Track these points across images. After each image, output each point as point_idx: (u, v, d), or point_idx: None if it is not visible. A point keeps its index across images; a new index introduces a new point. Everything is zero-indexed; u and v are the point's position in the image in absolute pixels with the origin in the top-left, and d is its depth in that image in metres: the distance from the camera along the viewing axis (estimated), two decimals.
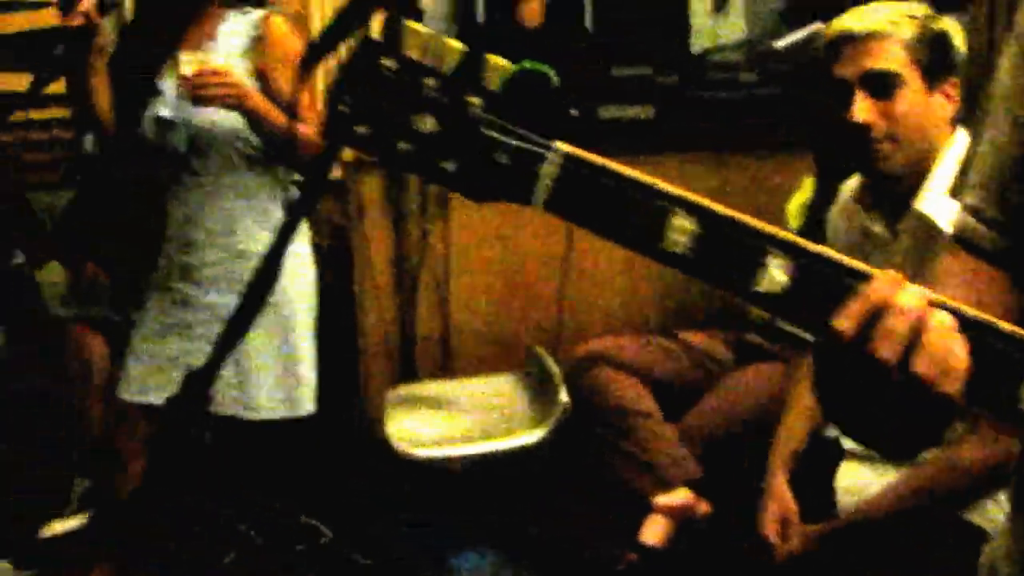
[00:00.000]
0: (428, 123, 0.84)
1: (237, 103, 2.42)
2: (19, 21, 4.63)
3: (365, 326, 3.65)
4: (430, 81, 0.84)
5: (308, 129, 2.49)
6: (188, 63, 2.40)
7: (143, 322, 2.68)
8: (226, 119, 2.49)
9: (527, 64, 2.87)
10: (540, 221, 3.41)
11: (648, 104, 3.53)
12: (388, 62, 0.84)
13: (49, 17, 4.46)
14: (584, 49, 4.00)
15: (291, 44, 2.57)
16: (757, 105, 3.65)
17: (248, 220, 2.58)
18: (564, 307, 3.63)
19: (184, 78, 2.37)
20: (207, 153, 2.56)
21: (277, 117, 2.47)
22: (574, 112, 3.34)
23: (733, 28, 5.31)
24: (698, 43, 5.15)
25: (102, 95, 2.55)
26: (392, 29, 0.84)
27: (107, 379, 3.29)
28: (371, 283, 3.63)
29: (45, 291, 3.77)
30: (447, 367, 3.68)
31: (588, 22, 4.27)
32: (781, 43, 3.76)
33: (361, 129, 0.84)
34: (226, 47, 2.55)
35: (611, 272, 3.67)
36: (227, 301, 2.52)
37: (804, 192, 3.04)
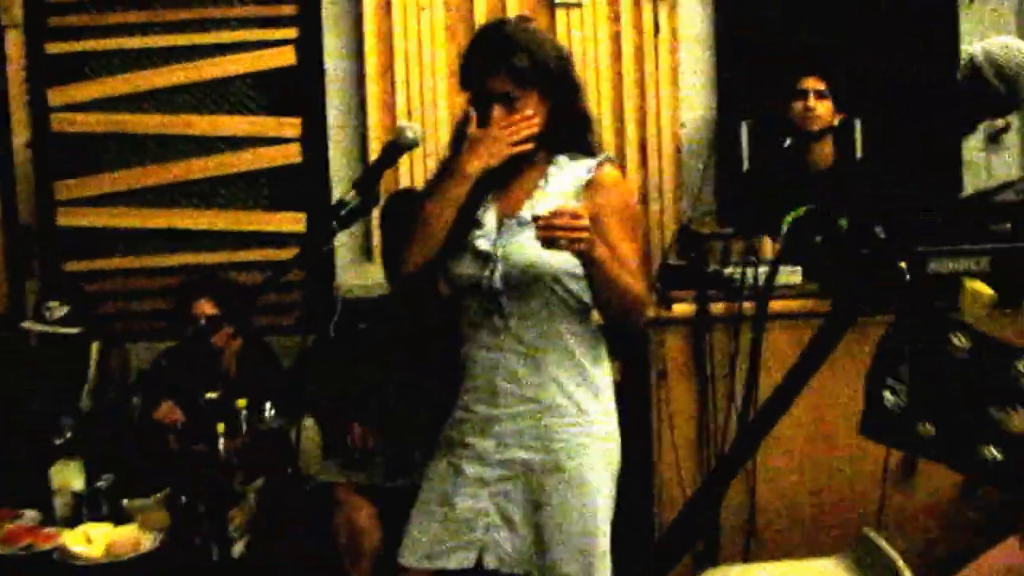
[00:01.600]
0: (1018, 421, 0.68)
1: (586, 249, 2.26)
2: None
3: (662, 486, 3.44)
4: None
5: (640, 286, 2.40)
6: (542, 203, 2.33)
7: (429, 481, 2.52)
8: (550, 260, 2.37)
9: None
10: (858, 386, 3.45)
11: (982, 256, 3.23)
12: (958, 340, 0.73)
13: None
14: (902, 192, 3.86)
15: (624, 194, 2.50)
16: None
17: (561, 373, 2.42)
18: (887, 484, 3.36)
19: (538, 218, 2.24)
20: (523, 294, 2.42)
21: (615, 268, 2.34)
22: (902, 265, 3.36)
23: (1007, 164, 5.50)
24: (968, 179, 5.33)
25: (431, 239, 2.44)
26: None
27: (378, 546, 3.27)
28: (671, 443, 3.42)
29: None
30: (750, 546, 3.42)
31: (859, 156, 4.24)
32: None
33: (923, 427, 0.72)
34: (557, 188, 2.46)
35: None
36: (530, 458, 2.40)
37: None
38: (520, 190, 2.48)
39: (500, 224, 2.44)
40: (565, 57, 2.54)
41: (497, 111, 2.40)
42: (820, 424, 3.39)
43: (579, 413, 2.43)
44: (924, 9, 5.35)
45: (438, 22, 4.92)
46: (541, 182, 2.46)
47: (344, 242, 5.00)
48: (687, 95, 5.23)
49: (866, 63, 5.12)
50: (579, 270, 2.37)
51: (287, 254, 5.01)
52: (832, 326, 2.03)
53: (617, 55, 5.03)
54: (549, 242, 2.23)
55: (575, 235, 2.21)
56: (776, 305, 3.35)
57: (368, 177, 2.48)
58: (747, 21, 5.25)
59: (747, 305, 3.35)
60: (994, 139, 5.49)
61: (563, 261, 2.35)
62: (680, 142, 5.34)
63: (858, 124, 4.97)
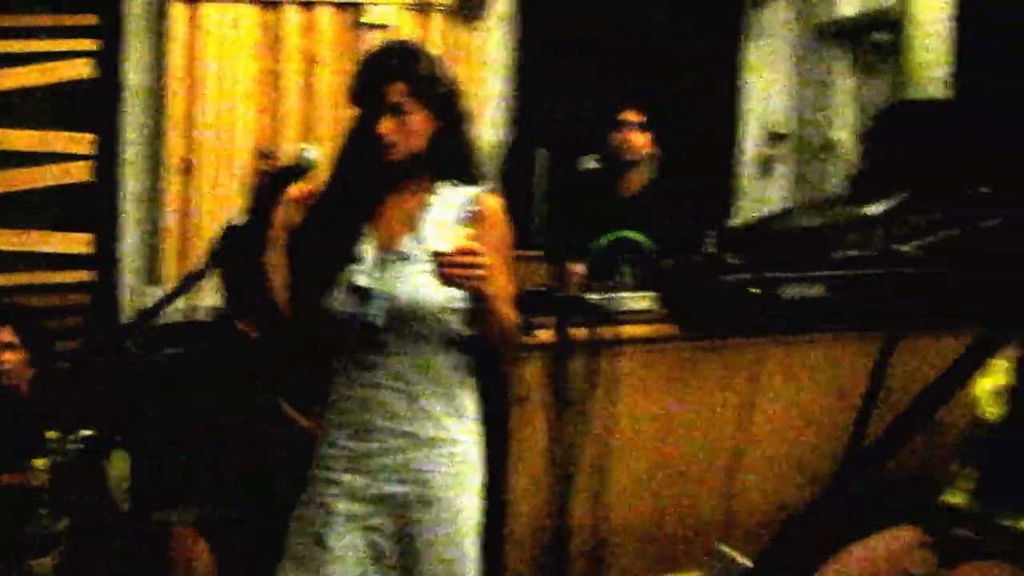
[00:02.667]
0: None
1: (483, 286, 2.21)
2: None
3: (515, 511, 3.38)
4: None
5: (516, 316, 2.39)
6: (442, 238, 2.23)
7: (299, 524, 2.42)
8: (433, 295, 2.31)
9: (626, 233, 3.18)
10: (709, 409, 3.46)
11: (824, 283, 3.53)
12: None
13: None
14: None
15: (503, 225, 2.42)
16: (924, 281, 3.67)
17: (435, 405, 2.37)
18: (734, 499, 3.48)
19: (439, 255, 2.15)
20: (403, 330, 2.34)
21: (501, 304, 2.31)
22: (755, 291, 3.41)
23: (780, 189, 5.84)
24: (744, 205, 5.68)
25: (279, 272, 2.36)
26: None
27: None
28: (526, 467, 3.37)
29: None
30: (603, 563, 3.41)
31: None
32: (872, 210, 3.96)
33: None
34: (440, 219, 2.37)
35: (786, 456, 3.55)
36: (403, 492, 2.35)
37: (997, 376, 2.95)
38: (399, 221, 2.39)
39: (379, 258, 2.36)
40: (458, 86, 2.53)
41: (386, 122, 2.33)
42: (664, 446, 3.50)
43: (452, 444, 2.40)
44: (708, 46, 5.71)
45: (245, 39, 4.76)
46: (422, 213, 2.38)
47: (131, 264, 4.79)
48: (488, 119, 5.30)
49: (660, 95, 5.40)
50: (459, 304, 2.34)
51: (73, 276, 4.74)
52: None
53: None
54: (449, 279, 2.18)
55: (475, 272, 2.18)
56: (630, 330, 3.44)
57: (260, 203, 2.39)
58: (552, 49, 5.41)
59: (605, 331, 3.40)
60: (766, 169, 5.91)
61: (446, 296, 2.31)
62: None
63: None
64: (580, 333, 3.39)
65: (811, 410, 3.59)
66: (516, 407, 3.39)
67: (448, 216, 2.37)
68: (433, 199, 2.39)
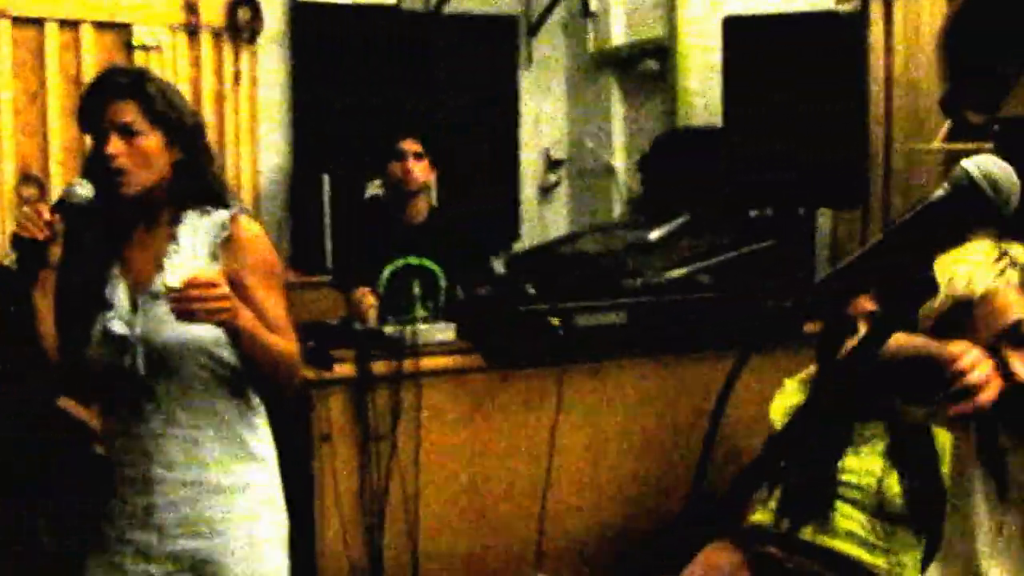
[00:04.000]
0: None
1: (230, 320, 2.06)
2: None
3: (326, 552, 3.29)
4: None
5: (292, 347, 2.23)
6: (175, 272, 2.04)
7: None
8: (197, 333, 2.14)
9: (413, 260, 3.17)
10: (515, 438, 3.45)
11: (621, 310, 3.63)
12: None
13: None
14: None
15: (263, 248, 2.26)
16: (711, 306, 3.81)
17: (220, 450, 2.23)
18: (544, 529, 3.48)
19: (172, 290, 2.00)
20: (171, 374, 2.17)
21: (264, 334, 2.16)
22: (555, 321, 3.44)
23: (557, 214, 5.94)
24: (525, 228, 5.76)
25: (47, 318, 2.18)
26: None
27: None
28: (335, 505, 3.29)
29: None
30: None
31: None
32: (655, 235, 4.08)
33: None
34: (190, 250, 2.20)
35: (595, 479, 3.60)
36: (197, 546, 2.21)
37: (788, 395, 3.14)
38: (148, 259, 2.22)
39: (133, 300, 2.19)
40: (200, 120, 2.34)
41: (115, 142, 2.14)
42: (474, 477, 3.48)
43: (243, 489, 2.26)
44: (488, 70, 5.73)
45: (4, 57, 4.43)
46: (171, 246, 2.21)
47: None
48: (266, 142, 5.20)
49: (439, 120, 5.39)
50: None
51: None
52: None
53: (197, 100, 4.89)
54: (186, 315, 2.03)
55: (214, 305, 2.04)
56: (432, 362, 3.39)
57: (24, 245, 2.17)
58: (326, 77, 5.30)
59: (407, 363, 3.33)
60: (546, 194, 5.99)
61: (210, 331, 2.14)
62: (259, 191, 5.27)
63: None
64: (381, 367, 3.32)
65: (616, 433, 3.63)
66: (319, 446, 3.28)
67: (200, 246, 2.21)
68: (181, 229, 2.22)
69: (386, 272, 3.58)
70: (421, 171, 4.05)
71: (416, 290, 3.49)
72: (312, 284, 4.79)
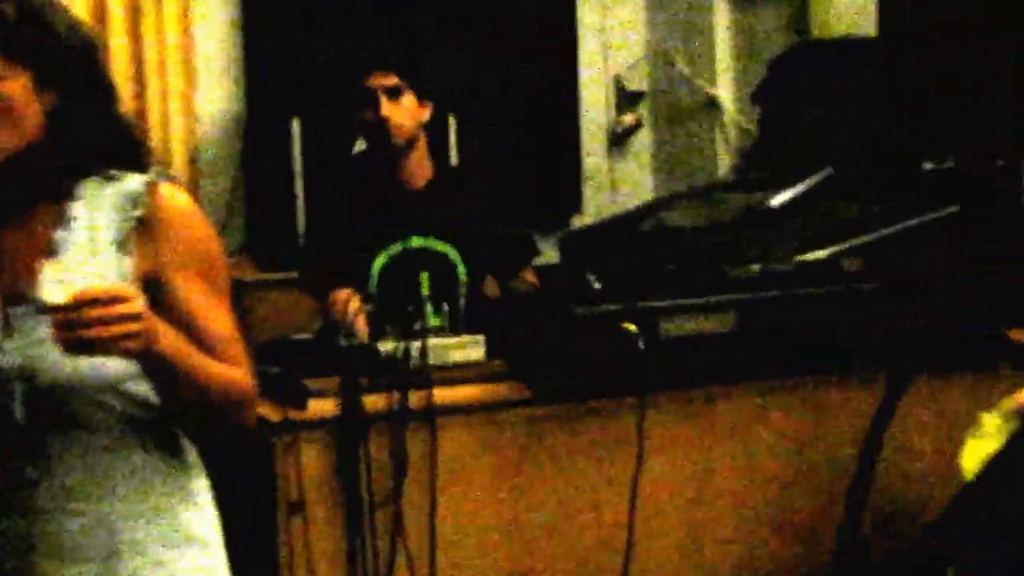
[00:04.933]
0: None
1: (143, 348, 2.01)
2: None
3: None
4: None
5: (241, 372, 2.22)
6: (55, 283, 1.99)
7: None
8: (96, 364, 2.10)
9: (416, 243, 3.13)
10: (576, 501, 3.51)
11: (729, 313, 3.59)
12: None
13: None
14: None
15: (198, 229, 2.25)
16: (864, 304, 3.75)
17: (134, 527, 2.23)
18: None
19: (55, 309, 1.95)
20: (63, 423, 2.16)
21: (199, 362, 2.13)
22: (632, 328, 3.43)
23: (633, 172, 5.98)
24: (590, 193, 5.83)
25: None
26: None
27: None
28: None
29: None
30: None
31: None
32: (777, 200, 4.07)
33: None
34: (86, 240, 2.18)
35: (688, 569, 3.65)
36: None
37: (987, 436, 3.06)
38: (29, 254, 2.16)
39: (4, 317, 2.15)
40: (93, 41, 2.33)
41: None
42: (520, 553, 3.50)
43: None
44: None
45: None
46: (60, 233, 2.17)
47: None
48: (205, 74, 5.29)
49: (458, 55, 5.40)
50: None
51: None
52: None
53: (99, 14, 5.01)
54: (77, 346, 1.96)
55: (118, 330, 1.97)
56: (451, 393, 3.38)
57: None
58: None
59: (414, 395, 3.32)
60: (619, 142, 5.98)
61: (119, 360, 2.07)
62: (195, 148, 5.30)
63: (452, 123, 5.23)
64: (377, 401, 3.33)
65: (723, 490, 3.64)
66: (287, 519, 3.32)
67: (104, 232, 2.17)
68: (76, 208, 2.18)
69: (378, 262, 3.58)
70: (402, 113, 3.97)
71: (424, 287, 3.49)
72: (275, 283, 4.80)
